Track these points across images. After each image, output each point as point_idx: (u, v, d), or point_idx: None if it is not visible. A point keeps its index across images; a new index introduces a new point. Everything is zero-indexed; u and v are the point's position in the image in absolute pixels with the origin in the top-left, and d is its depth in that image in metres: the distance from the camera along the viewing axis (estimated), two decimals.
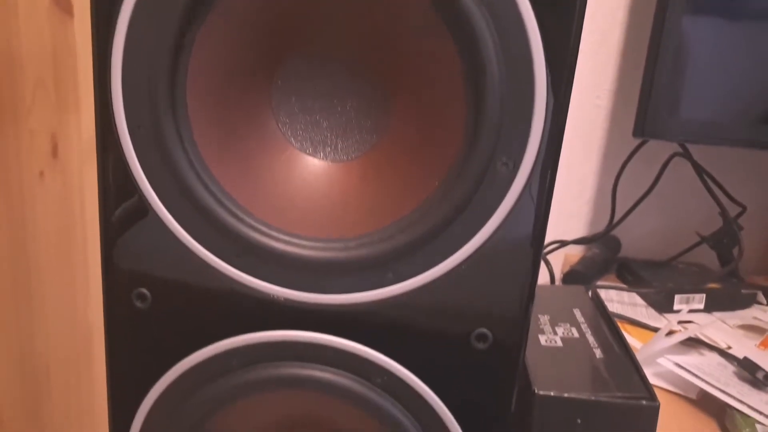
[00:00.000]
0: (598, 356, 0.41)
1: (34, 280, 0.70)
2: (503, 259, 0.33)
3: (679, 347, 0.60)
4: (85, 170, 0.74)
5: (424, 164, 0.33)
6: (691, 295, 0.67)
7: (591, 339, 0.43)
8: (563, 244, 0.78)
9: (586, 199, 0.82)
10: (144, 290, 0.35)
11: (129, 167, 0.33)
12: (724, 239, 0.74)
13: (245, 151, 0.34)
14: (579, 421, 0.36)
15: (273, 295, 0.34)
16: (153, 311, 0.35)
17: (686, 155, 0.68)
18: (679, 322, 0.65)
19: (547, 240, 0.80)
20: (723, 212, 0.68)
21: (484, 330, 0.34)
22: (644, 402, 0.36)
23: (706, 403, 0.53)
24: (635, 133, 0.62)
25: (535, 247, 0.33)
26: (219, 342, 0.36)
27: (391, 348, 0.35)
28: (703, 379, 0.52)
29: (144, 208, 0.33)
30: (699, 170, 0.68)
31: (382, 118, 0.34)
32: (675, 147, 0.69)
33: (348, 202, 0.34)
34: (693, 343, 0.60)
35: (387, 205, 0.33)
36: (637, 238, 0.81)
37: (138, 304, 0.35)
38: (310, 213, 0.34)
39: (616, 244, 0.80)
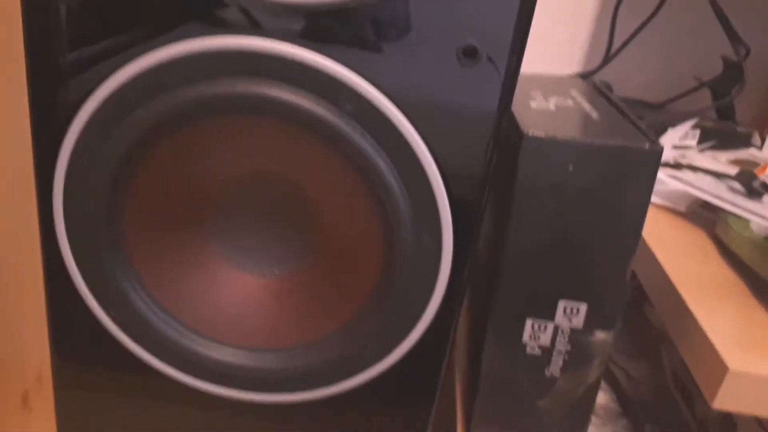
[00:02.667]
0: (594, 117, 0.36)
1: None
2: None
3: (669, 171, 0.56)
4: None
5: None
6: (684, 130, 0.63)
7: (587, 106, 0.38)
8: None
9: (579, 43, 0.76)
10: None
11: None
12: (724, 83, 0.69)
13: None
14: (570, 167, 0.32)
15: None
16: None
17: None
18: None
19: None
20: (733, 45, 0.63)
21: (473, 42, 0.29)
22: (647, 145, 0.31)
23: (695, 217, 0.50)
24: None
25: None
26: (153, 52, 0.30)
27: (365, 66, 0.30)
28: (696, 187, 0.48)
29: None
30: None
31: None
32: None
33: None
34: (684, 169, 0.57)
35: None
36: (632, 86, 0.76)
37: None
38: None
39: (608, 89, 0.75)
